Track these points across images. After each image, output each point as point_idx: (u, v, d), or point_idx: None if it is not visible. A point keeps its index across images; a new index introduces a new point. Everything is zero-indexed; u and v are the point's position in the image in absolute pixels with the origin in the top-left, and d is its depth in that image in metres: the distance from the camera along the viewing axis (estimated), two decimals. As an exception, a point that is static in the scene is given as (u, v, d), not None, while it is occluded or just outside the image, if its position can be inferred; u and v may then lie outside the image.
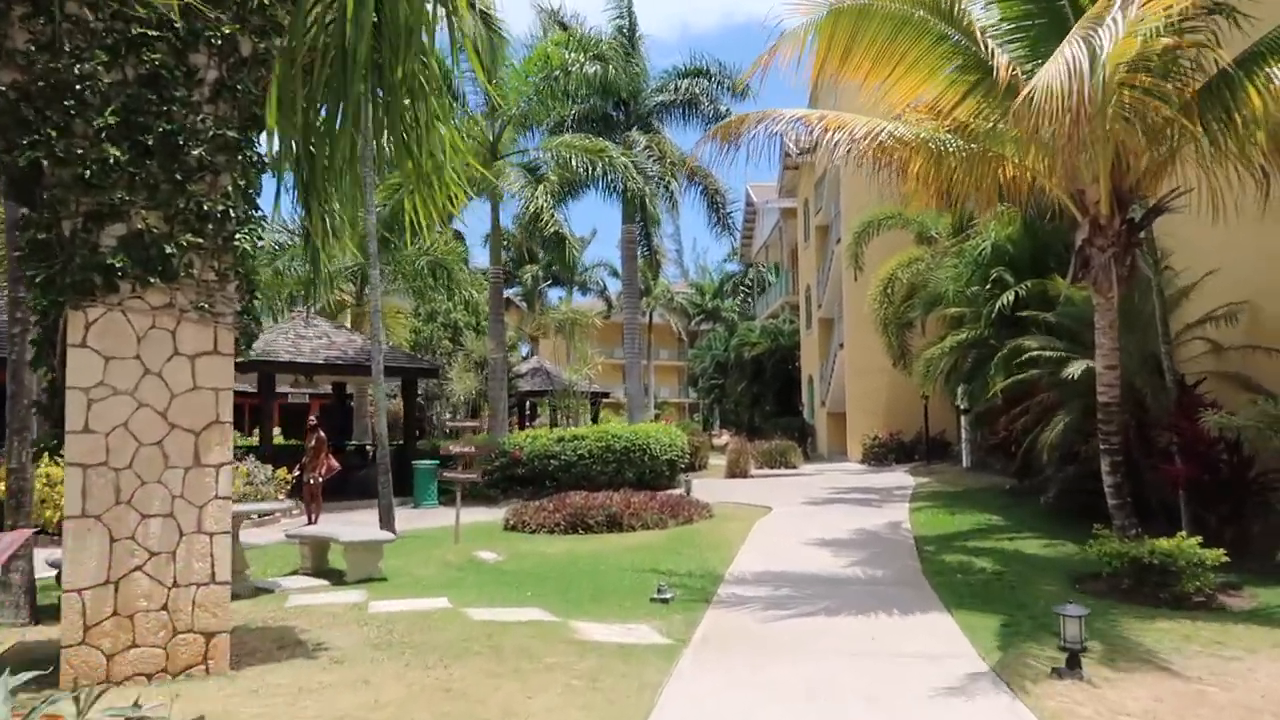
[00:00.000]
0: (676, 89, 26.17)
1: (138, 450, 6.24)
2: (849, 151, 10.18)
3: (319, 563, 11.46)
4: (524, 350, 43.60)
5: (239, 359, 6.82)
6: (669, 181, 26.07)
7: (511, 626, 8.02)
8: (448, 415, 26.80)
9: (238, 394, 27.82)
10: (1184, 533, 9.03)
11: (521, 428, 30.13)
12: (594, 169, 20.89)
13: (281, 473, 16.72)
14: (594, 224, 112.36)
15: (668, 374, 64.23)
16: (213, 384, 6.50)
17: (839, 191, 30.38)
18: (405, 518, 16.47)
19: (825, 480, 23.04)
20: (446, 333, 29.09)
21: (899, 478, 22.84)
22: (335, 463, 16.74)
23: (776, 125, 10.44)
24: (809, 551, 12.08)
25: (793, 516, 15.74)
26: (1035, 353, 13.45)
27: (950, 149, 10.36)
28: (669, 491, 18.65)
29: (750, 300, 54.88)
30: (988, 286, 17.40)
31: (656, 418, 40.55)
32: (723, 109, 25.44)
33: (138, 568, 6.21)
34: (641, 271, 34.01)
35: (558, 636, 7.65)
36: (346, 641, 7.55)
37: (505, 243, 34.50)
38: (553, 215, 20.30)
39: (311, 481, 16.03)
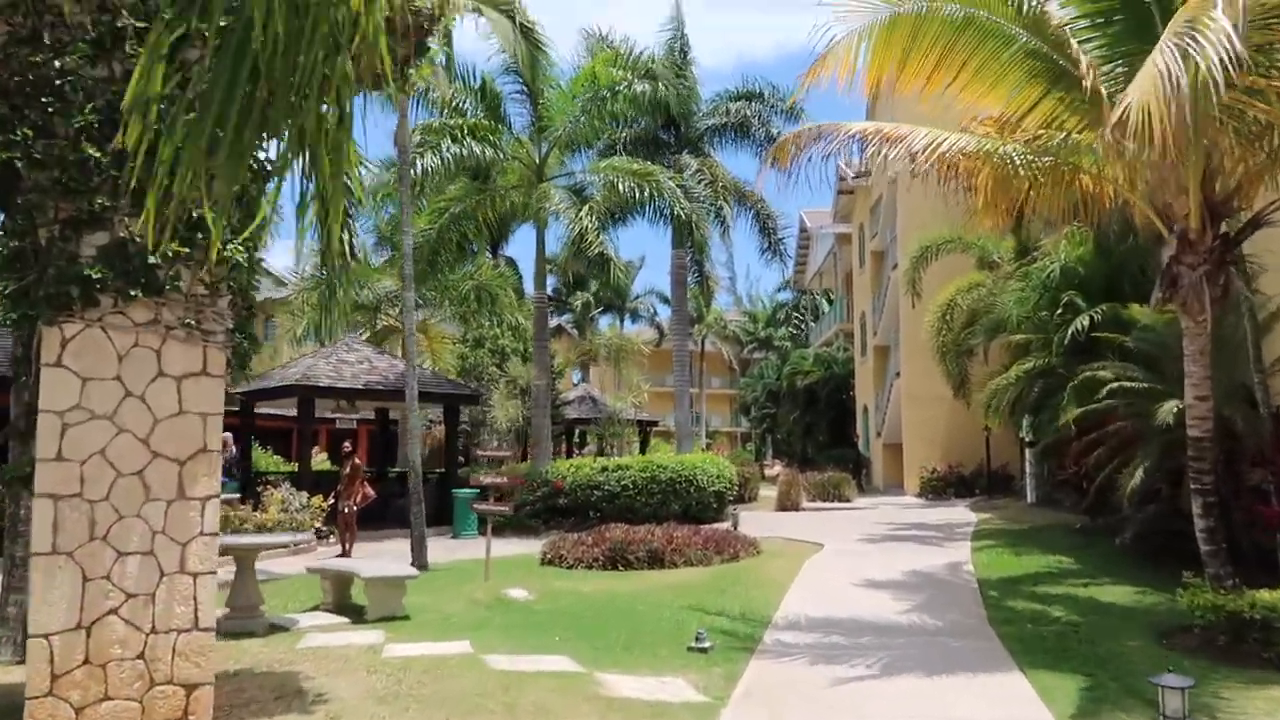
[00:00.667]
0: (728, 112, 25.68)
1: (116, 480, 5.64)
2: (911, 164, 9.43)
3: (341, 598, 10.87)
4: (575, 377, 43.03)
5: (237, 386, 6.22)
6: (720, 206, 25.46)
7: (532, 678, 7.30)
8: (494, 444, 26.24)
9: (282, 419, 27.41)
10: (1288, 584, 8.04)
11: (569, 456, 29.52)
12: (642, 193, 20.33)
13: (317, 500, 16.26)
14: (645, 252, 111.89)
15: (719, 402, 63.19)
16: (200, 408, 5.90)
17: (895, 215, 29.46)
18: (443, 549, 15.91)
19: (880, 515, 21.98)
20: (494, 359, 28.72)
21: (959, 513, 21.68)
22: (370, 491, 16.26)
23: (834, 142, 9.83)
24: (863, 595, 11.20)
25: (846, 555, 14.80)
26: (1113, 384, 12.39)
27: (1019, 162, 9.54)
28: (715, 525, 17.83)
29: (803, 328, 53.85)
30: (1058, 311, 16.34)
31: (708, 447, 39.71)
32: (775, 132, 24.87)
33: (112, 611, 5.60)
34: (694, 297, 33.36)
35: (581, 692, 6.91)
36: (351, 692, 6.91)
37: (553, 268, 34.11)
38: (597, 236, 19.73)
39: (346, 510, 15.54)
